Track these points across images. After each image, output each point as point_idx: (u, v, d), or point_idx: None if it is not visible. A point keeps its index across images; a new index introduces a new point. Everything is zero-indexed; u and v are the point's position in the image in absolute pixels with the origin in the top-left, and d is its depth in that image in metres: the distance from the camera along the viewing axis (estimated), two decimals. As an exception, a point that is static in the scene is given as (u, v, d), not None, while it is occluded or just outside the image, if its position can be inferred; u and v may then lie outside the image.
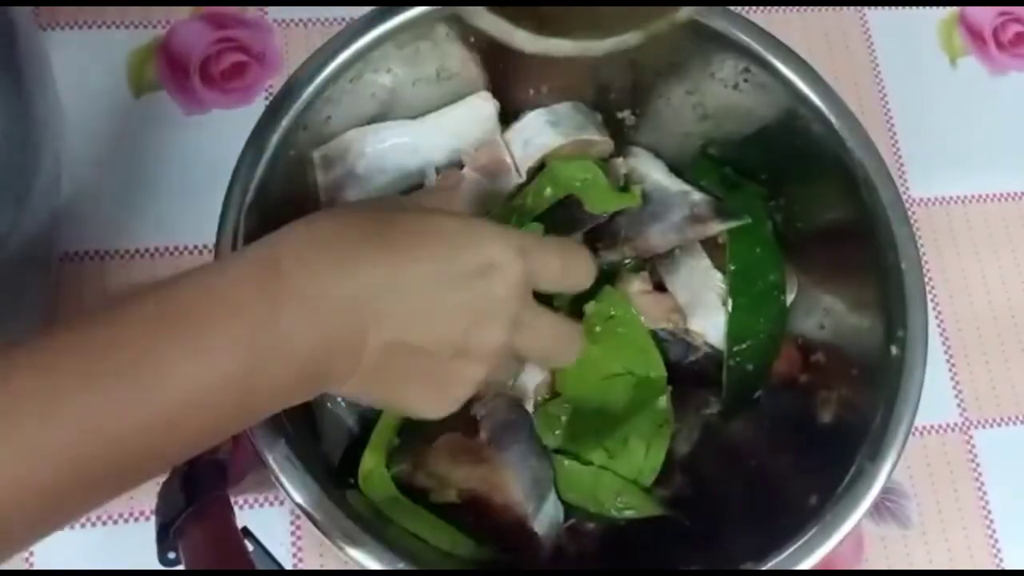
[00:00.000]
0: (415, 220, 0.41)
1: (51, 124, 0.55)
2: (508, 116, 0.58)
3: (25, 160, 0.51)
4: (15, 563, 0.57)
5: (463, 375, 0.41)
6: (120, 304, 0.35)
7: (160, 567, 0.48)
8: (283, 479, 0.45)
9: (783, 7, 0.77)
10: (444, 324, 0.39)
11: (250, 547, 0.45)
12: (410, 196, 0.54)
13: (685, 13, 0.41)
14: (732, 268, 0.56)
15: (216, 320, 0.35)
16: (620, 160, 0.59)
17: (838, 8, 0.77)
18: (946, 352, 0.71)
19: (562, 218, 0.55)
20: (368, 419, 0.53)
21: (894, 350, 0.50)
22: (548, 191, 0.55)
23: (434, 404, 0.42)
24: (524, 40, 0.38)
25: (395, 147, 0.56)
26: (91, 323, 0.35)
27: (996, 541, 0.67)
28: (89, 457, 0.33)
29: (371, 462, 0.51)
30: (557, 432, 0.54)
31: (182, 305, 0.35)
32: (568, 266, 0.44)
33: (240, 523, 0.46)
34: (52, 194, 0.56)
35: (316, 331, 0.37)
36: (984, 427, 0.69)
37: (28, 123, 0.51)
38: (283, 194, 0.51)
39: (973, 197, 0.74)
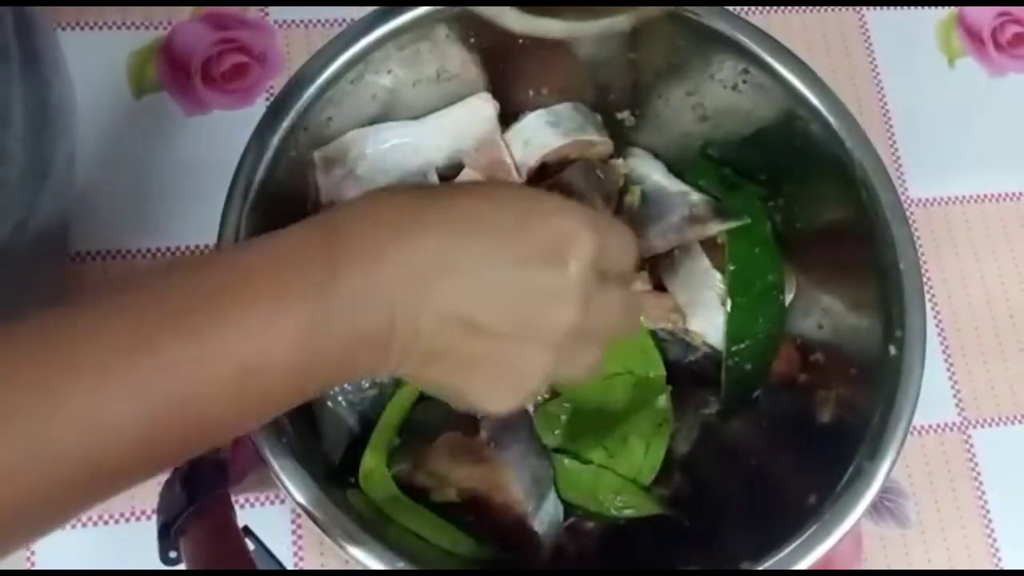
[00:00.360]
0: (479, 192, 0.38)
1: (66, 110, 0.55)
2: (508, 117, 0.58)
3: (43, 144, 0.51)
4: (15, 563, 0.57)
5: (532, 362, 0.37)
6: (174, 270, 0.35)
7: (161, 566, 0.48)
8: (284, 478, 0.45)
9: (782, 8, 0.77)
10: (509, 302, 0.36)
11: (251, 546, 0.46)
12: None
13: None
14: (731, 268, 0.56)
15: (280, 282, 0.34)
16: (620, 161, 0.59)
17: (837, 9, 0.78)
18: (944, 352, 0.71)
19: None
20: (369, 419, 0.53)
21: (892, 350, 0.51)
22: None
23: (501, 395, 0.38)
24: (513, 20, 0.37)
25: (396, 148, 0.56)
26: (146, 287, 0.34)
27: (994, 540, 0.67)
28: (155, 418, 0.32)
29: (372, 461, 0.51)
30: (557, 431, 0.54)
31: (248, 267, 0.34)
32: (629, 248, 0.41)
33: (241, 522, 0.46)
34: (67, 183, 0.56)
35: (376, 295, 0.35)
36: (982, 427, 0.69)
37: (45, 108, 0.51)
38: (284, 195, 0.51)
39: (971, 197, 0.75)
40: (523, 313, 0.36)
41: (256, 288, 0.34)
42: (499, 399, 0.38)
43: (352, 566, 0.45)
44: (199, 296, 0.33)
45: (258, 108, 0.67)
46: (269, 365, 0.34)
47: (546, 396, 0.55)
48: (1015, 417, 0.70)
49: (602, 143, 0.59)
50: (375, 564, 0.44)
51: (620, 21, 0.39)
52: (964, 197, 0.75)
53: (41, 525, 0.33)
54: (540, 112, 0.58)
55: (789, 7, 0.77)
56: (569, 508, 0.54)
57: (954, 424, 0.69)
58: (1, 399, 0.31)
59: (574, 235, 0.37)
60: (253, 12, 0.70)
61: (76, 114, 0.60)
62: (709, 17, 0.53)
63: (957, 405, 0.70)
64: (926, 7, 0.79)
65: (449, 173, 0.57)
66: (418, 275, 0.35)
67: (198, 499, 0.46)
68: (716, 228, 0.56)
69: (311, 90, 0.51)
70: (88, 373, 0.32)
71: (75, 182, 0.59)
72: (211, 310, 0.33)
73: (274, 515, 0.60)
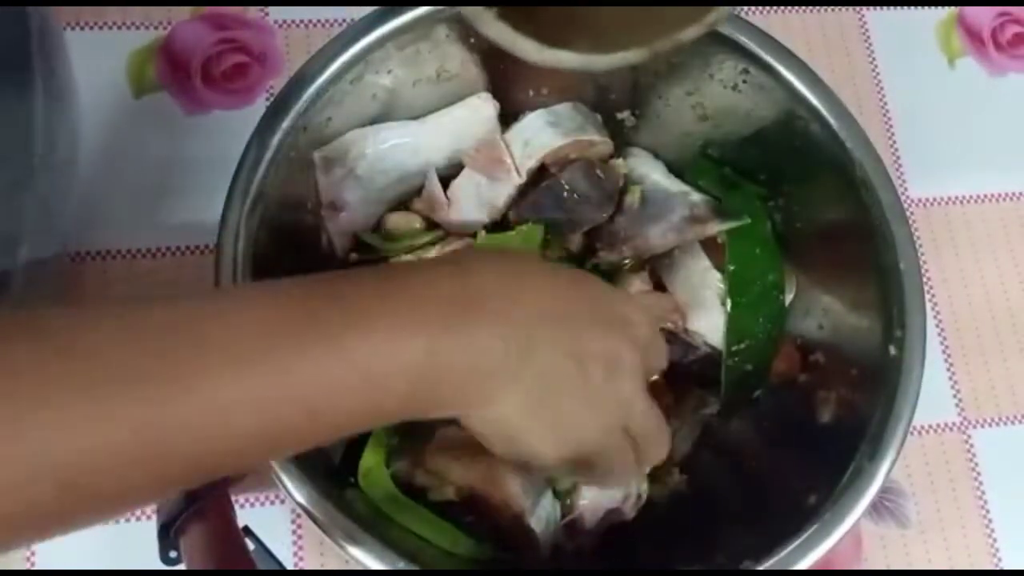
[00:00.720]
0: (573, 270, 0.46)
1: (69, 98, 0.55)
2: (508, 117, 0.58)
3: (50, 122, 0.51)
4: (15, 563, 0.57)
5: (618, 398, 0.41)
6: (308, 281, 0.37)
7: (161, 566, 0.48)
8: (284, 478, 0.45)
9: (782, 8, 0.77)
10: (589, 354, 0.40)
11: (251, 546, 0.46)
12: None
13: (691, 34, 0.41)
14: (731, 268, 0.56)
15: (415, 306, 0.36)
16: (620, 161, 0.59)
17: (837, 9, 0.78)
18: (944, 352, 0.71)
19: (562, 219, 0.56)
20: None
21: (893, 350, 0.51)
22: None
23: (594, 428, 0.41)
24: (528, 50, 0.37)
25: (396, 148, 0.56)
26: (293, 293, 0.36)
27: (994, 540, 0.67)
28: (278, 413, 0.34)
29: (371, 460, 0.51)
30: None
31: (380, 287, 0.37)
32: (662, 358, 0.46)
33: (241, 522, 0.46)
34: (70, 174, 0.56)
35: (495, 328, 0.38)
36: (982, 427, 0.69)
37: (50, 90, 0.51)
38: (284, 195, 0.51)
39: (972, 197, 0.75)
40: (598, 369, 0.40)
41: (391, 307, 0.36)
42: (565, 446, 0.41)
43: (352, 566, 0.45)
44: (341, 305, 0.36)
45: (258, 108, 0.67)
46: (390, 379, 0.36)
47: None
48: (1015, 417, 0.70)
49: (602, 143, 0.59)
50: (375, 564, 0.44)
51: (634, 55, 0.40)
52: (964, 197, 0.74)
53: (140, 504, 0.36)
54: (540, 112, 0.58)
55: (789, 7, 0.77)
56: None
57: (954, 424, 0.69)
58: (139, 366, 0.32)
59: (635, 322, 0.42)
60: (253, 12, 0.70)
61: (79, 106, 0.60)
62: (709, 17, 0.53)
63: (957, 405, 0.70)
64: (926, 7, 0.79)
65: (449, 173, 0.57)
66: (542, 314, 0.39)
67: (198, 499, 0.46)
68: (716, 228, 0.56)
69: (311, 90, 0.51)
70: (221, 362, 0.33)
71: (78, 174, 0.58)
72: (351, 319, 0.35)
73: (274, 515, 0.60)
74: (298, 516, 0.60)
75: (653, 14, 0.41)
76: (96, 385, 0.31)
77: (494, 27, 0.36)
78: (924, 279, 0.52)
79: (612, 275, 0.57)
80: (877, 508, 0.66)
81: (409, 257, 0.55)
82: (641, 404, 0.42)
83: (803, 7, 0.77)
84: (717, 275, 0.56)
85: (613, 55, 0.40)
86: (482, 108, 0.57)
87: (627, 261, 0.57)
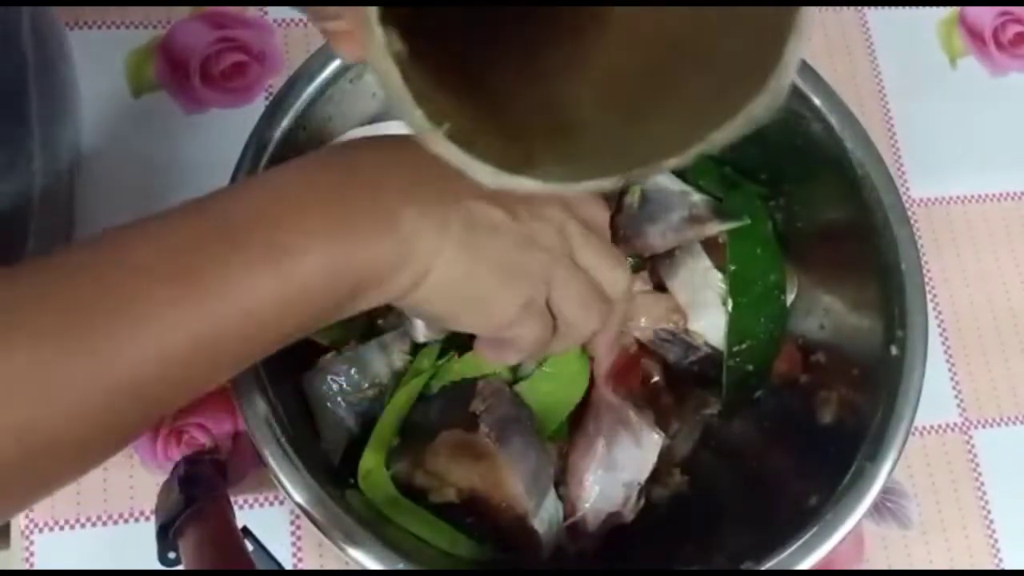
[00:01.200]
0: None
1: (69, 105, 0.56)
2: (508, 116, 0.58)
3: (54, 108, 0.51)
4: (15, 563, 0.57)
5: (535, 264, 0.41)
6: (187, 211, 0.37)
7: (160, 567, 0.48)
8: (283, 479, 0.45)
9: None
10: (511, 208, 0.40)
11: (250, 547, 0.45)
12: None
13: (672, 163, 0.33)
14: (732, 268, 0.56)
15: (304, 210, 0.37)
16: (620, 160, 0.59)
17: (838, 8, 0.77)
18: (946, 352, 0.70)
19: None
20: (368, 419, 0.53)
21: (894, 350, 0.51)
22: None
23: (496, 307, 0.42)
24: (485, 175, 0.32)
25: (395, 147, 0.56)
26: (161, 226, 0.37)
27: (996, 541, 0.67)
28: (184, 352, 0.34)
29: (371, 461, 0.51)
30: None
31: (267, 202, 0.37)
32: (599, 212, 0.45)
33: (240, 523, 0.46)
34: (72, 160, 0.56)
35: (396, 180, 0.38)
36: (984, 427, 0.69)
37: (51, 77, 0.51)
38: (283, 194, 0.51)
39: (973, 197, 0.74)
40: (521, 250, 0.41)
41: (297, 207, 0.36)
42: (496, 310, 0.41)
43: (351, 567, 0.45)
44: (244, 225, 0.36)
45: (257, 107, 0.66)
46: (302, 285, 0.36)
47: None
48: (1017, 417, 0.70)
49: (602, 142, 0.58)
50: (374, 565, 0.44)
51: (606, 184, 0.33)
52: (966, 197, 0.74)
53: (99, 456, 0.35)
54: (540, 111, 0.57)
55: (789, 6, 0.77)
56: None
57: (955, 424, 0.69)
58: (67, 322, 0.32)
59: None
60: (252, 11, 0.70)
61: (80, 98, 0.60)
62: (710, 16, 0.53)
63: (959, 405, 0.69)
64: (927, 7, 0.79)
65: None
66: (446, 179, 0.36)
67: (197, 500, 0.46)
68: (717, 228, 0.56)
69: (310, 89, 0.51)
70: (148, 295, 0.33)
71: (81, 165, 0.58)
72: (253, 240, 0.35)
73: (273, 516, 0.60)
74: (297, 517, 0.60)
75: (641, 135, 0.34)
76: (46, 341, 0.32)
77: (446, 148, 0.30)
78: (925, 279, 0.52)
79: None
80: (878, 508, 0.66)
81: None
82: (564, 272, 0.42)
83: (804, 6, 0.77)
84: (718, 275, 0.56)
85: (582, 184, 0.34)
86: (482, 107, 0.57)
87: (627, 261, 0.57)
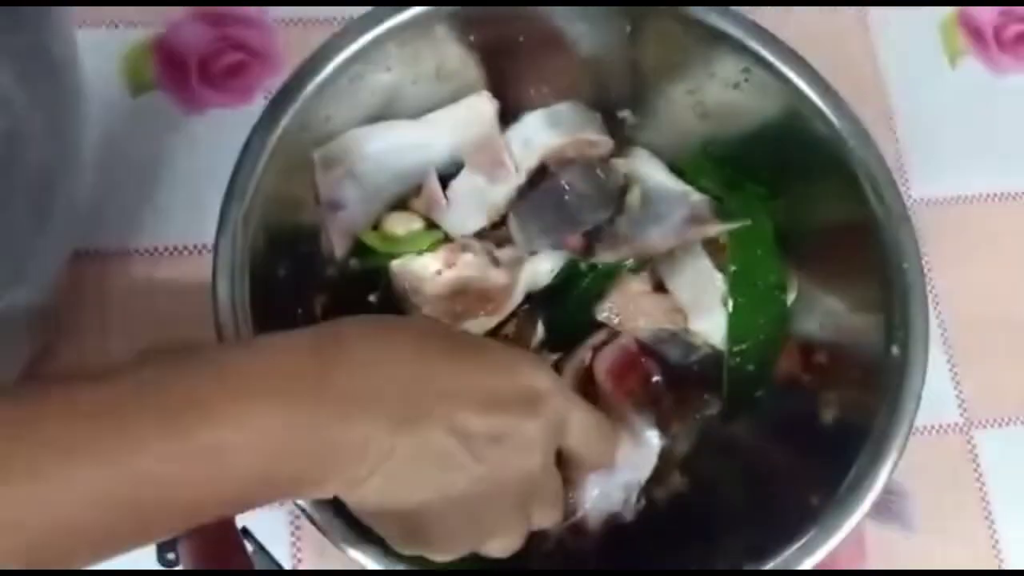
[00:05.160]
0: (476, 338, 0.45)
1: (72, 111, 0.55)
2: (508, 116, 0.58)
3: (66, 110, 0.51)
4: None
5: (497, 504, 0.40)
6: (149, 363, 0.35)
7: (159, 567, 0.48)
8: (282, 479, 0.44)
9: (783, 7, 0.76)
10: (471, 432, 0.38)
11: (250, 547, 0.45)
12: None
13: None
14: (732, 268, 0.56)
15: (269, 382, 0.35)
16: (620, 160, 0.59)
17: (838, 8, 0.77)
18: (947, 352, 0.70)
19: (562, 218, 0.55)
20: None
21: (895, 350, 0.50)
22: None
23: (462, 535, 0.41)
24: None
25: (395, 147, 0.56)
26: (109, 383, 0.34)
27: (996, 541, 0.67)
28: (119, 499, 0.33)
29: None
30: None
31: (234, 364, 0.35)
32: (600, 437, 0.44)
33: (240, 523, 0.46)
34: (82, 158, 0.56)
35: (367, 402, 0.36)
36: (985, 427, 0.69)
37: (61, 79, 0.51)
38: (283, 194, 0.51)
39: (974, 197, 0.74)
40: (501, 453, 0.38)
41: (243, 384, 0.34)
42: (459, 539, 0.41)
43: (351, 567, 0.44)
44: (178, 390, 0.34)
45: (256, 107, 0.66)
46: (242, 455, 0.34)
47: None
48: (1018, 418, 0.70)
49: (602, 142, 0.58)
50: (374, 565, 0.44)
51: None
52: (967, 197, 0.74)
53: None
54: (540, 111, 0.57)
55: (790, 6, 0.77)
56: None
57: (956, 425, 0.69)
58: None
59: (544, 393, 0.40)
60: (251, 10, 0.70)
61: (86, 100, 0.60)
62: (710, 15, 0.53)
63: (960, 406, 0.69)
64: (928, 6, 0.79)
65: (449, 172, 0.57)
66: (416, 391, 0.37)
67: (196, 501, 0.46)
68: (717, 228, 0.56)
69: (310, 88, 0.51)
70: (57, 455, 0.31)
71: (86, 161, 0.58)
72: (192, 403, 0.33)
73: (273, 516, 0.60)
74: (297, 517, 0.60)
75: None
76: None
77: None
78: (927, 279, 0.52)
79: (612, 276, 0.57)
80: (879, 509, 0.65)
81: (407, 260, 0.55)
82: (537, 484, 0.41)
83: (804, 6, 0.77)
84: (718, 275, 0.56)
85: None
86: (482, 107, 0.57)
87: (628, 261, 0.57)
